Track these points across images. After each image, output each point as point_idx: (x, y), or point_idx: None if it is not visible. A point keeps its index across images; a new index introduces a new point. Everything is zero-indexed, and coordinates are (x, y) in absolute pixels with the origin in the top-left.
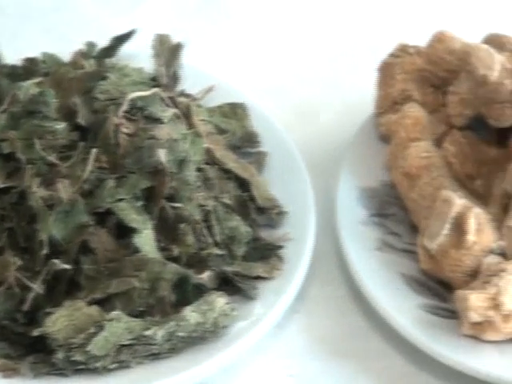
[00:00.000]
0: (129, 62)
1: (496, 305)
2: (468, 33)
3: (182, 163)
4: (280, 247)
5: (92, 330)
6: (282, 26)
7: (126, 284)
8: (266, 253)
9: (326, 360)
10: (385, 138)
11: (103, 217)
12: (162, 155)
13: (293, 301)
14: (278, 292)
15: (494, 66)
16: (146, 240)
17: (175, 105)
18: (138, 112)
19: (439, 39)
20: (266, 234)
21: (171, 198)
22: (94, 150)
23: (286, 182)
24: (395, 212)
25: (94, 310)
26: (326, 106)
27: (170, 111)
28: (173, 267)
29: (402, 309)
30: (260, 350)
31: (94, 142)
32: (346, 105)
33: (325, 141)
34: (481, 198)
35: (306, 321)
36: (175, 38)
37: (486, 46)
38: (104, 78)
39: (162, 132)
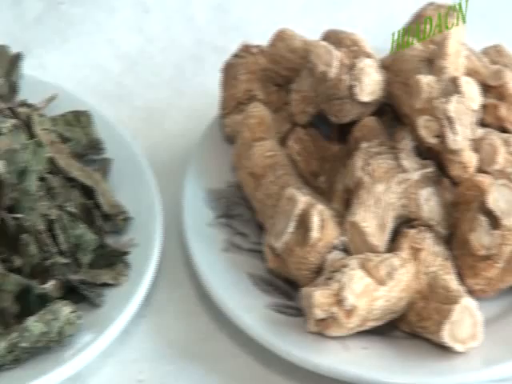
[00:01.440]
0: None
1: (339, 300)
2: (308, 30)
3: (22, 173)
4: (126, 253)
5: None
6: (125, 32)
7: None
8: (113, 259)
9: (176, 363)
10: (230, 139)
11: None
12: (1, 166)
13: (140, 306)
14: (125, 298)
15: (332, 62)
16: None
17: (15, 115)
18: None
19: (280, 38)
20: (112, 241)
21: (12, 209)
22: None
23: (132, 188)
24: (242, 212)
25: None
26: (173, 109)
27: (10, 122)
28: (14, 278)
29: (250, 309)
30: (108, 356)
31: None
32: (192, 108)
33: (172, 145)
34: (325, 194)
35: (154, 325)
36: (14, 49)
37: (324, 43)
38: None
39: (1, 143)
